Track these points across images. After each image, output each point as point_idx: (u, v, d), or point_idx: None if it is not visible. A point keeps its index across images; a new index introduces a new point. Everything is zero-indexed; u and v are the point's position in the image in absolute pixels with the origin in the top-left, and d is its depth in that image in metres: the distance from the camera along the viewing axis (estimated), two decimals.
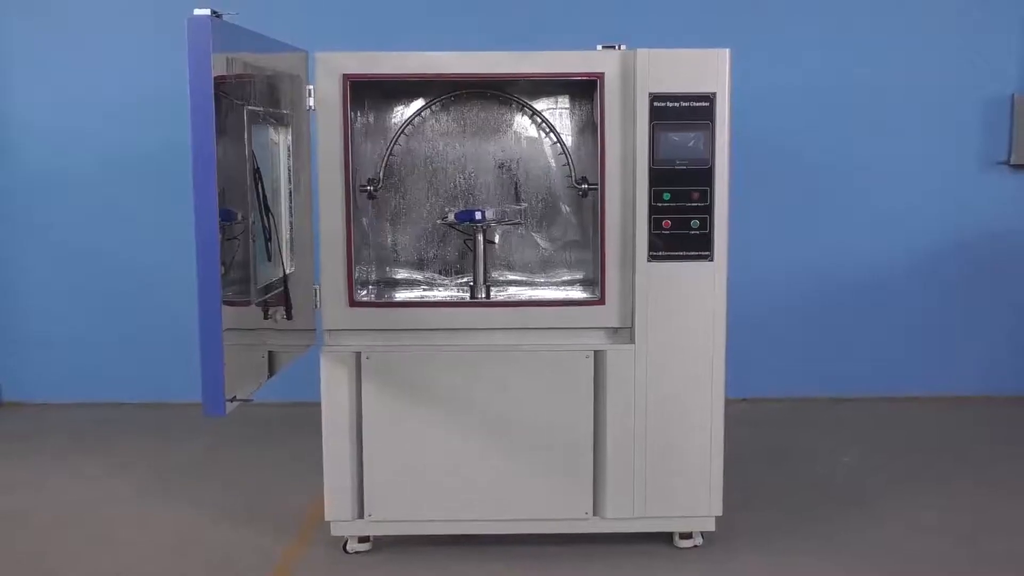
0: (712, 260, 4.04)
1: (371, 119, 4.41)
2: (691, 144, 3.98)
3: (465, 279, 4.49)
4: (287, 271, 4.00)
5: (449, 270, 4.54)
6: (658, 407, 4.12)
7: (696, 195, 4.01)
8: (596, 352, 4.11)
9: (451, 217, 4.34)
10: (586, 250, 4.43)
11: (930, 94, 6.51)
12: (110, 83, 6.47)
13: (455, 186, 4.48)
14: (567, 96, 4.42)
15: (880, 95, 6.50)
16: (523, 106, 4.39)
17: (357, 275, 4.13)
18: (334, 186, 3.99)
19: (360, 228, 4.28)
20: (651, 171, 3.99)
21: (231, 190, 3.52)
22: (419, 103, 4.39)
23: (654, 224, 4.01)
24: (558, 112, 4.43)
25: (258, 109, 3.72)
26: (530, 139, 4.47)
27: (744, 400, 6.37)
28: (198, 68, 3.18)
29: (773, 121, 6.37)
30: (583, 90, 4.31)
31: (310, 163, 4.18)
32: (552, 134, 4.40)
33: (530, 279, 4.52)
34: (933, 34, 6.48)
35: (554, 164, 4.46)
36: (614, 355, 4.09)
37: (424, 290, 4.48)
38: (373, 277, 4.49)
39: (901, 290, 6.68)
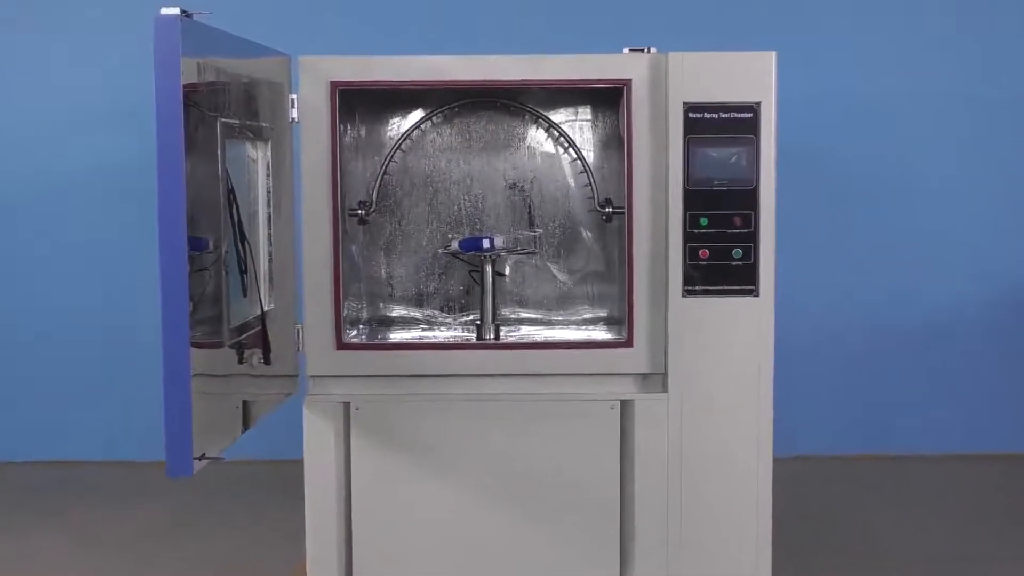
0: (758, 295, 3.81)
1: (363, 133, 4.24)
2: (732, 161, 3.78)
3: (471, 317, 4.30)
4: (265, 308, 3.80)
5: (452, 307, 4.35)
6: (696, 465, 3.88)
7: (738, 220, 3.80)
8: (623, 402, 3.89)
9: (455, 246, 4.14)
10: (611, 284, 4.22)
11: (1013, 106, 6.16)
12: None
13: (459, 210, 4.30)
14: (588, 106, 4.23)
15: (951, 104, 6.14)
16: (538, 118, 4.20)
17: (346, 313, 3.93)
18: (320, 210, 3.80)
19: (350, 258, 4.10)
20: (686, 192, 3.78)
21: (201, 214, 3.31)
22: (418, 114, 4.21)
23: (690, 253, 3.80)
24: (578, 125, 4.25)
25: (233, 122, 3.55)
26: (546, 155, 4.28)
27: (789, 458, 6.01)
28: (165, 74, 3.00)
29: (818, 134, 6.04)
30: (607, 100, 4.11)
31: (293, 183, 4.01)
32: (571, 150, 4.21)
33: (546, 317, 4.34)
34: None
35: (573, 184, 4.27)
36: (644, 405, 3.86)
37: (423, 330, 4.30)
38: (365, 315, 4.31)
39: (970, 334, 6.28)
